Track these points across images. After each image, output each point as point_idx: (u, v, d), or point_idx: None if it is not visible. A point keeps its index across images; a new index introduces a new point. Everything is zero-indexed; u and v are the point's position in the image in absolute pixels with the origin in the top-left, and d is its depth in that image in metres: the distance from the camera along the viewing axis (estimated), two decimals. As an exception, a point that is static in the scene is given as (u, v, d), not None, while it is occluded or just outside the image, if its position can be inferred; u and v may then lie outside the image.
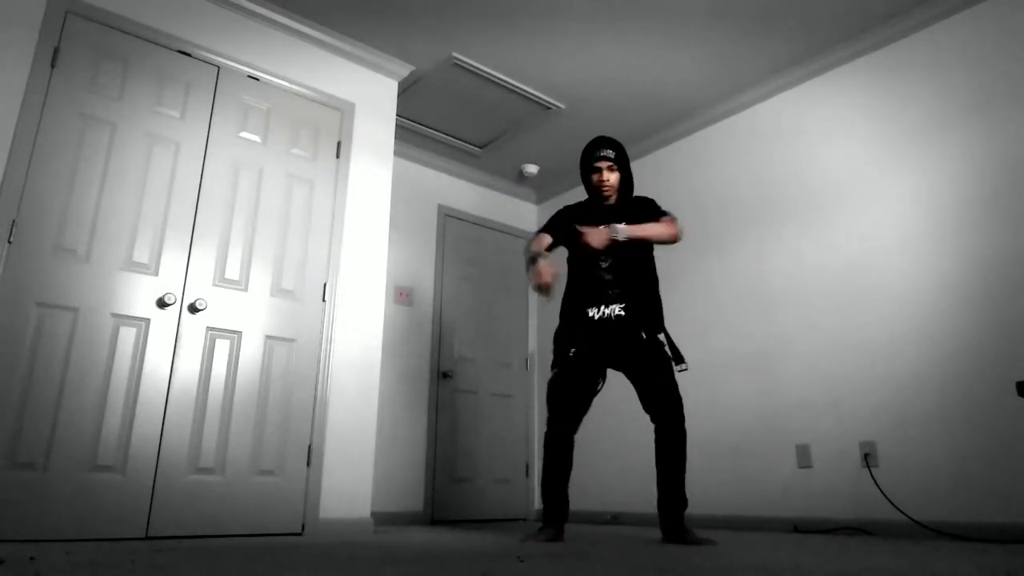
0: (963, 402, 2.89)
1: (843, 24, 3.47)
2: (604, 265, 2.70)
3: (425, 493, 4.25)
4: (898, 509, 2.97)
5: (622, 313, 2.65)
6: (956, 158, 3.13)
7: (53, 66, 2.75)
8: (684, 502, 2.57)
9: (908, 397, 3.07)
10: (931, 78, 3.29)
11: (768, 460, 3.53)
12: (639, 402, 2.71)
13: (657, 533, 2.91)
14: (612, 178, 2.79)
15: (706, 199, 4.22)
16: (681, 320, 4.15)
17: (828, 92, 3.72)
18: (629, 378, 2.70)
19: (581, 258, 2.75)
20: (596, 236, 2.65)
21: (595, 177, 2.79)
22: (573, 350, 2.68)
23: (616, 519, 4.03)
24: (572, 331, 2.72)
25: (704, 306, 4.06)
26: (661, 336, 2.70)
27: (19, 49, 2.68)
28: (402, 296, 4.49)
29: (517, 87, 4.05)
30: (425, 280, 4.66)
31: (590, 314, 2.68)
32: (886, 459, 3.08)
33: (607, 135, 2.95)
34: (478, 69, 3.87)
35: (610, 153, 2.78)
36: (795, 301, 3.60)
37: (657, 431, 2.62)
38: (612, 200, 2.83)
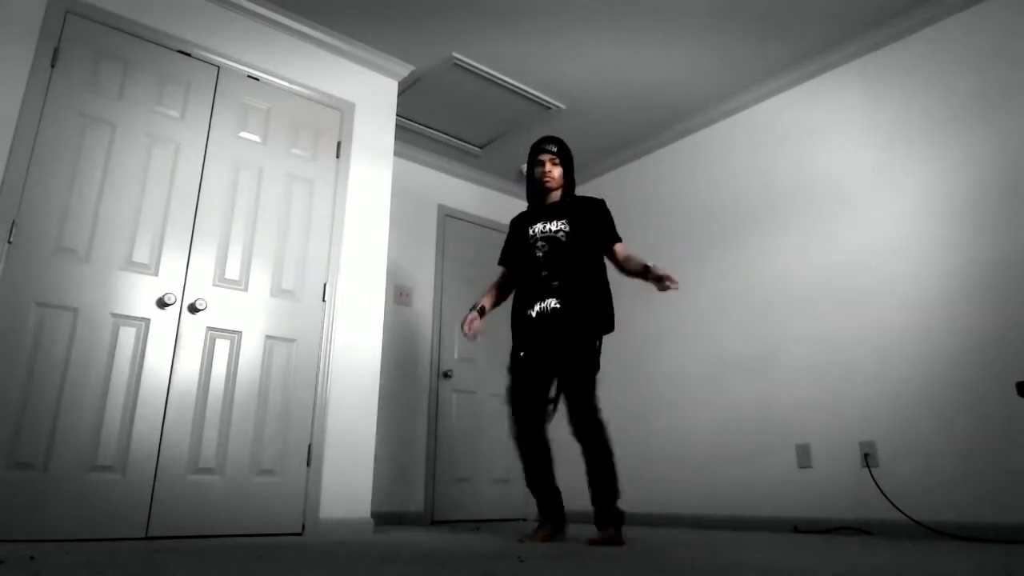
0: (963, 402, 2.89)
1: (843, 24, 3.47)
2: (541, 261, 2.76)
3: (425, 493, 4.25)
4: (898, 509, 2.97)
5: (558, 306, 2.67)
6: (956, 158, 3.13)
7: (53, 66, 2.75)
8: (610, 511, 2.51)
9: (908, 397, 3.07)
10: (931, 78, 3.29)
11: (768, 460, 3.53)
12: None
13: (658, 533, 2.91)
14: (555, 172, 2.87)
15: (707, 199, 4.22)
16: (682, 320, 4.16)
17: (828, 92, 3.72)
18: (558, 379, 2.68)
19: (523, 261, 2.84)
20: (665, 274, 2.62)
21: (538, 171, 2.88)
22: (521, 353, 2.74)
23: (616, 519, 4.03)
24: (516, 332, 2.80)
25: (705, 306, 4.06)
26: (595, 338, 2.66)
27: (19, 49, 2.68)
28: (402, 296, 4.49)
29: (517, 87, 4.05)
30: (425, 280, 4.66)
31: (528, 312, 2.74)
32: (886, 459, 3.08)
33: (554, 135, 3.04)
34: (478, 69, 3.87)
35: (552, 148, 2.88)
36: (795, 301, 3.60)
37: (578, 442, 2.57)
38: (555, 197, 2.89)
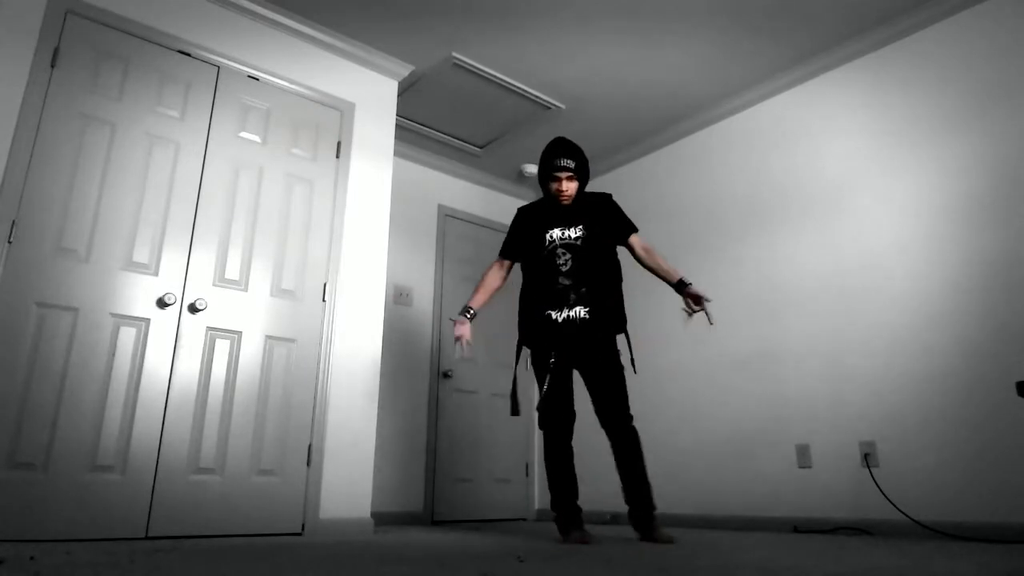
0: (963, 402, 2.89)
1: (843, 24, 3.47)
2: (564, 270, 2.71)
3: (425, 493, 4.25)
4: (898, 509, 2.97)
5: (586, 316, 2.66)
6: (956, 158, 3.13)
7: (53, 66, 2.75)
8: (653, 506, 2.59)
9: (908, 397, 3.07)
10: (931, 78, 3.29)
11: (768, 460, 3.53)
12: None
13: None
14: (571, 187, 2.79)
15: (707, 199, 4.22)
16: (681, 320, 4.15)
17: (828, 92, 3.72)
18: (584, 379, 2.71)
19: (539, 266, 2.78)
20: (700, 296, 2.70)
21: (554, 186, 2.80)
22: (552, 361, 2.67)
23: (616, 519, 4.03)
24: (539, 336, 2.72)
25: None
26: (620, 339, 2.75)
27: (19, 49, 2.68)
28: (402, 296, 4.49)
29: (517, 87, 4.05)
30: (425, 280, 4.66)
31: (553, 316, 2.69)
32: (886, 459, 3.08)
33: (568, 139, 2.93)
34: (478, 69, 3.87)
35: (570, 164, 2.78)
36: (795, 301, 3.60)
37: (611, 437, 2.64)
38: (568, 201, 2.84)
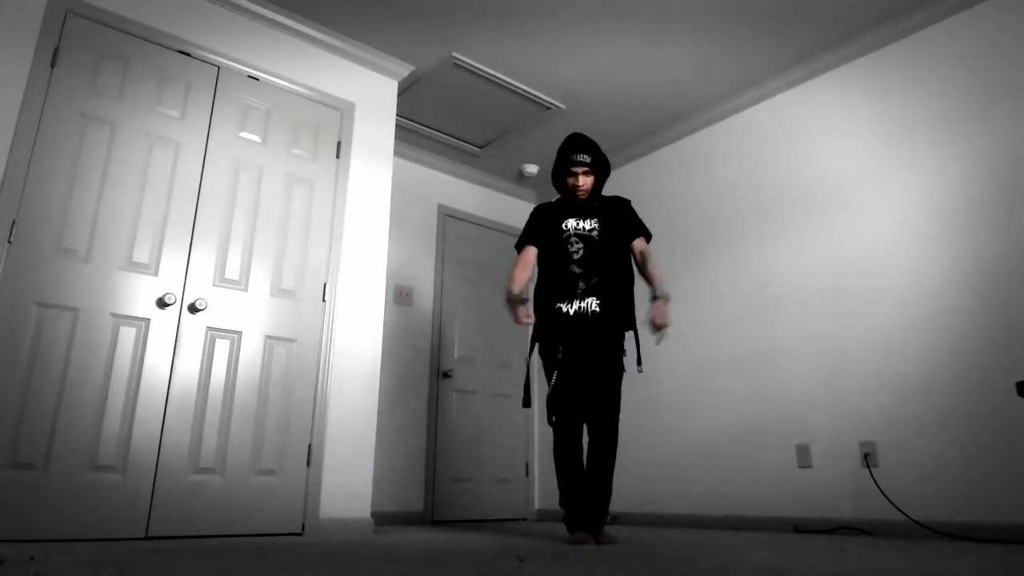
0: (963, 402, 2.89)
1: (843, 24, 3.47)
2: (575, 258, 2.73)
3: (425, 493, 4.25)
4: (898, 509, 2.97)
5: (597, 309, 2.67)
6: (956, 158, 3.13)
7: (53, 66, 2.75)
8: (607, 511, 2.62)
9: (908, 397, 3.07)
10: (931, 78, 3.29)
11: (768, 460, 3.53)
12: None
13: (658, 533, 2.91)
14: (587, 182, 2.81)
15: (707, 199, 4.22)
16: (681, 320, 4.15)
17: (828, 92, 3.72)
18: (583, 370, 2.68)
19: (553, 255, 2.79)
20: (662, 317, 2.71)
21: (570, 181, 2.82)
22: (560, 355, 2.66)
23: (616, 519, 4.03)
24: (551, 331, 2.72)
25: (705, 306, 4.06)
26: (628, 336, 2.75)
27: (19, 49, 2.68)
28: (402, 296, 4.49)
29: (517, 87, 4.05)
30: (425, 280, 4.66)
31: (564, 309, 2.69)
32: (886, 459, 3.08)
33: (584, 134, 2.93)
34: (478, 69, 3.87)
35: (586, 158, 2.79)
36: (796, 301, 3.60)
37: (591, 434, 2.64)
38: (584, 196, 2.84)
